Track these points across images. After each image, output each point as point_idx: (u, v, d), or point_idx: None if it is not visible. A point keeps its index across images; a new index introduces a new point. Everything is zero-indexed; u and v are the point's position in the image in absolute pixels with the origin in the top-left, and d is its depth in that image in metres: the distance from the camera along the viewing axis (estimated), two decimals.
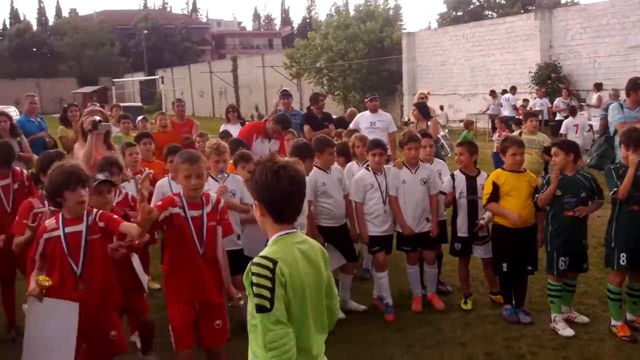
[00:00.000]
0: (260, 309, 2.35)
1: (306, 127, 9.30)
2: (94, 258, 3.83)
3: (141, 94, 53.86)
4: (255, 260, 2.43)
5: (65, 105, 9.51)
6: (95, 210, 3.93)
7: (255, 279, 2.37)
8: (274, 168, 2.47)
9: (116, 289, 4.04)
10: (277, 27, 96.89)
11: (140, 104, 38.45)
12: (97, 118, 5.74)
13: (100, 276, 3.87)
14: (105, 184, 4.31)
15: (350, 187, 5.90)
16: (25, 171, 5.55)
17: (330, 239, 5.55)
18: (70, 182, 3.65)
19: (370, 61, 29.01)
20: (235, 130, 9.15)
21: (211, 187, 5.41)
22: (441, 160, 6.85)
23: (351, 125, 9.37)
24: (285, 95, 9.85)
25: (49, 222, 3.82)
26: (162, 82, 34.21)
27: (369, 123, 9.18)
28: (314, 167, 5.66)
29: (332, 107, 25.90)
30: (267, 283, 2.36)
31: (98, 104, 11.17)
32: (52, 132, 9.57)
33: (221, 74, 43.30)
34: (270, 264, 2.38)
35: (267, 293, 2.35)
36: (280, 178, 2.45)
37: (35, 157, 8.12)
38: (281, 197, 2.46)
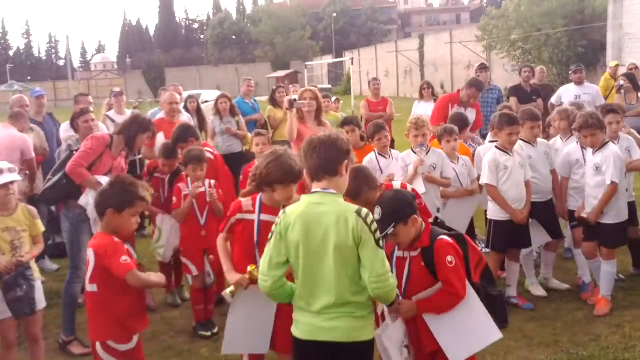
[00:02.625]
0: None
1: (513, 100, 9.11)
2: None
3: (329, 76, 55.88)
4: None
5: (274, 88, 10.35)
6: None
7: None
8: (308, 141, 3.00)
9: None
10: (466, 1, 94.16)
11: (329, 86, 40.06)
12: (294, 97, 6.16)
13: None
14: None
15: (557, 162, 5.75)
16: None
17: (534, 215, 5.48)
18: (286, 179, 3.46)
19: (570, 33, 27.05)
20: (429, 107, 9.22)
21: (412, 161, 5.63)
22: (628, 137, 6.12)
23: (553, 99, 9.01)
24: (483, 68, 9.71)
25: (246, 203, 3.73)
26: (352, 64, 35.06)
27: (573, 96, 8.74)
28: (519, 140, 5.58)
29: None
30: (273, 227, 2.95)
31: (298, 86, 11.95)
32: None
33: (407, 53, 43.33)
34: (282, 213, 2.95)
35: (270, 234, 2.96)
36: (305, 148, 2.96)
37: (250, 135, 9.03)
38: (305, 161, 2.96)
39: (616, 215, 5.23)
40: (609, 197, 5.14)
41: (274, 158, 3.49)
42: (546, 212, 5.62)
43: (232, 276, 3.57)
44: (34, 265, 4.35)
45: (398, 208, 3.24)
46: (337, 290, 2.84)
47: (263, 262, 2.94)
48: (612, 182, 5.09)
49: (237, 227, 3.72)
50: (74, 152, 5.11)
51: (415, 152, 5.64)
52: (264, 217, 3.64)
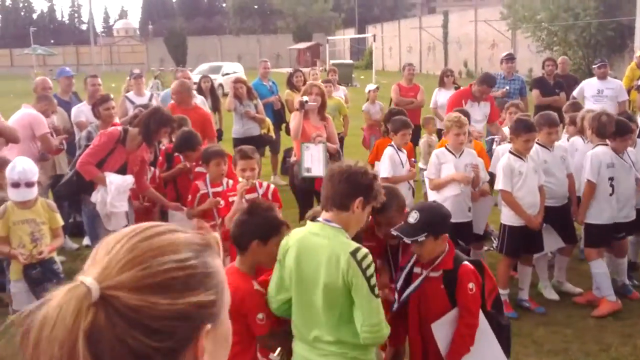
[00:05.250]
0: None
1: (535, 92, 8.95)
2: None
3: (351, 51, 55.32)
4: None
5: (292, 71, 10.26)
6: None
7: None
8: (330, 168, 2.96)
9: None
10: None
11: (351, 62, 39.61)
12: (305, 98, 6.10)
13: None
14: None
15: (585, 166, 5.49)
16: None
17: (549, 219, 5.40)
18: None
19: (599, 15, 26.29)
20: (449, 96, 9.05)
21: (447, 160, 5.50)
22: None
23: (575, 93, 8.84)
24: (509, 59, 9.49)
25: None
26: (374, 41, 34.39)
27: (595, 90, 8.58)
28: (536, 144, 5.47)
29: None
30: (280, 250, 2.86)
31: (318, 61, 11.80)
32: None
33: (431, 29, 42.72)
34: (287, 237, 2.85)
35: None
36: (326, 174, 2.87)
37: (268, 119, 9.02)
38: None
39: (595, 215, 5.43)
40: (586, 196, 5.44)
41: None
42: (561, 216, 5.52)
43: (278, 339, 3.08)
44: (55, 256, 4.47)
45: (436, 221, 3.29)
46: (327, 326, 2.72)
47: (271, 283, 2.91)
48: (587, 180, 5.38)
49: None
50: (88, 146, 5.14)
51: (449, 151, 5.49)
52: None
